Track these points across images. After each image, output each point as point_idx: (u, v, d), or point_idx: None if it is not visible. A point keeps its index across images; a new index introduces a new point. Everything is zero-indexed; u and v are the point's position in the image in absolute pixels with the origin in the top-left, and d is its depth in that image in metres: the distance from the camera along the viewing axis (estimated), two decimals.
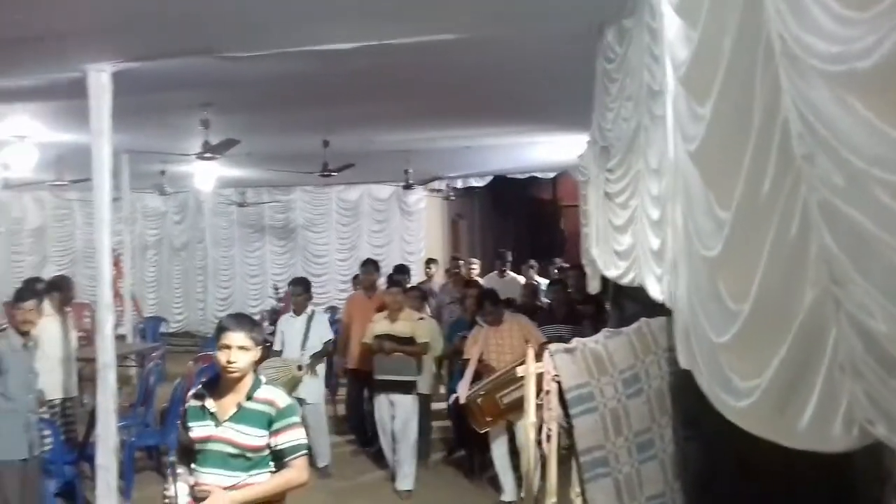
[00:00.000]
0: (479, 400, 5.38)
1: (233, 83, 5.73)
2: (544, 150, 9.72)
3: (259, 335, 3.07)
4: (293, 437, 2.98)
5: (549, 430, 2.97)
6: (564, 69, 5.22)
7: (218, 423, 2.97)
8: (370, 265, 7.78)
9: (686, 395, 2.78)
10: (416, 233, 13.77)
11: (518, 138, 8.96)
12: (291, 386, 6.27)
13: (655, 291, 2.56)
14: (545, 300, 8.00)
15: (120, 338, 8.30)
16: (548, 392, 2.96)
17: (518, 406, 5.18)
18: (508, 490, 5.85)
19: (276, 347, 6.79)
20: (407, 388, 6.34)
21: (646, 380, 2.95)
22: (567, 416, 2.93)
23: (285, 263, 14.30)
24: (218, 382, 3.08)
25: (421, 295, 7.21)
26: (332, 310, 9.88)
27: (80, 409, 6.81)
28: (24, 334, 4.74)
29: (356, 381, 7.24)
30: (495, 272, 10.31)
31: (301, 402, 6.29)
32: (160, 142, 8.11)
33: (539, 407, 2.99)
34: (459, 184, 13.34)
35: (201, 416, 3.01)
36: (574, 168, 8.05)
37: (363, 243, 13.91)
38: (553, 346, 3.06)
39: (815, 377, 0.99)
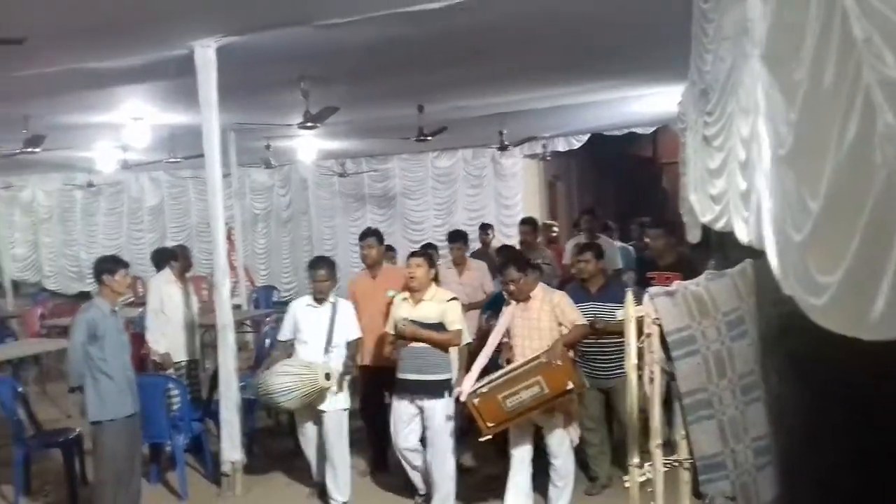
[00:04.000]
0: (476, 400, 4.37)
1: (330, 53, 5.89)
2: (643, 104, 9.46)
3: None
4: None
5: (652, 372, 2.98)
6: (661, 15, 5.08)
7: None
8: (370, 236, 5.91)
9: (792, 338, 2.73)
10: (513, 196, 13.70)
11: (615, 93, 8.76)
12: (315, 398, 5.10)
13: (742, 234, 2.50)
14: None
15: (235, 307, 8.79)
16: (649, 335, 2.97)
17: (528, 411, 4.32)
18: None
19: (282, 338, 5.48)
20: (437, 390, 4.94)
21: (750, 322, 2.90)
22: (669, 358, 2.94)
23: (385, 231, 14.55)
24: None
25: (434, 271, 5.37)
26: None
27: (203, 373, 7.28)
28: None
29: (372, 381, 5.77)
30: (575, 237, 9.16)
31: (321, 412, 5.23)
32: (263, 117, 8.44)
33: (640, 350, 3.00)
34: (559, 145, 13.10)
35: None
36: (675, 120, 7.67)
37: (459, 208, 14.00)
38: (653, 289, 3.05)
39: (888, 261, 1.01)
